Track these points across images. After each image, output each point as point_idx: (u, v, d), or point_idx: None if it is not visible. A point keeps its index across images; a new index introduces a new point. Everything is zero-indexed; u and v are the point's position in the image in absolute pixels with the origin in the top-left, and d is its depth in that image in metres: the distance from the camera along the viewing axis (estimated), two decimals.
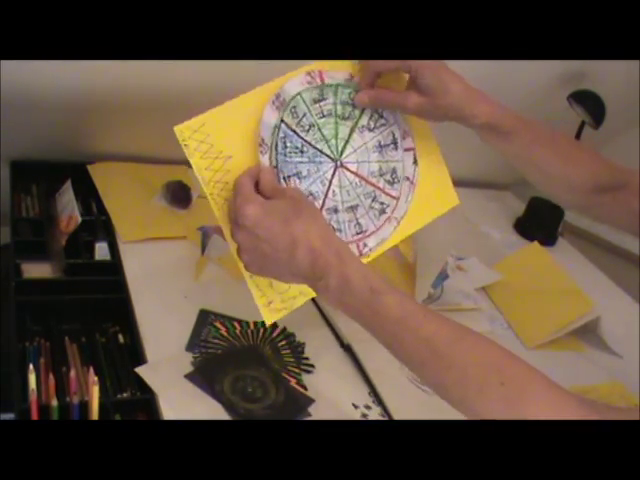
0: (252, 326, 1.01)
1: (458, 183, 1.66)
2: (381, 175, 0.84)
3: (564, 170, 0.90)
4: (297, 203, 0.71)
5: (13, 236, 1.09)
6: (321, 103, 0.82)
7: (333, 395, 0.95)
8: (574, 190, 0.91)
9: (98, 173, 1.22)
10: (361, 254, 0.84)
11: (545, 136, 0.89)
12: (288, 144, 0.79)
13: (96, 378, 0.80)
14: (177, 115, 1.28)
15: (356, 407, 0.95)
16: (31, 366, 0.79)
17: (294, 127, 0.79)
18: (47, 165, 1.23)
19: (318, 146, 0.81)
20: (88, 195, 1.20)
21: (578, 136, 1.49)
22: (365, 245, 0.84)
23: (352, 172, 0.83)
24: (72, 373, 0.83)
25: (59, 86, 1.09)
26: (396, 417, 0.94)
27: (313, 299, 1.10)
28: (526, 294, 1.28)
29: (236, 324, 1.01)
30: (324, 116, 0.82)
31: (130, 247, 1.10)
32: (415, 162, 0.88)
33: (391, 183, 0.85)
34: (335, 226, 0.81)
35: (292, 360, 0.98)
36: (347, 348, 1.04)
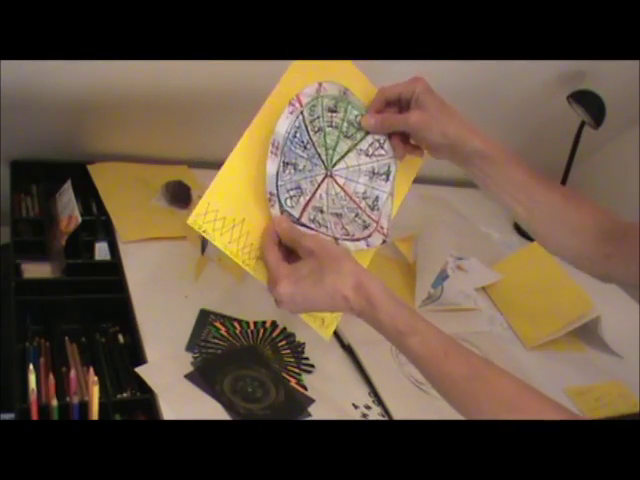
0: (252, 326, 1.01)
1: (458, 183, 1.67)
2: (364, 198, 0.87)
3: (565, 209, 0.88)
4: (318, 260, 0.76)
5: (13, 236, 1.09)
6: (333, 114, 0.85)
7: (333, 395, 0.95)
8: (579, 232, 0.88)
9: (98, 173, 1.22)
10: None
11: (539, 173, 0.88)
12: (297, 135, 0.81)
13: (96, 378, 0.80)
14: (177, 115, 1.29)
15: (356, 407, 0.95)
16: (31, 366, 0.79)
17: (307, 123, 0.82)
18: (47, 165, 1.23)
19: (319, 150, 0.83)
20: (88, 195, 1.20)
21: (578, 136, 1.49)
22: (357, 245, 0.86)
23: (339, 185, 0.85)
24: (72, 373, 0.83)
25: (59, 86, 1.09)
26: (396, 417, 0.94)
27: None
28: (526, 294, 1.28)
29: (236, 324, 1.01)
30: (331, 126, 0.84)
31: (130, 247, 1.10)
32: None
33: (371, 208, 0.87)
34: (321, 222, 0.83)
35: (292, 360, 0.98)
36: (347, 348, 1.04)
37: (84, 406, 0.83)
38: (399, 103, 0.87)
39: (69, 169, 1.20)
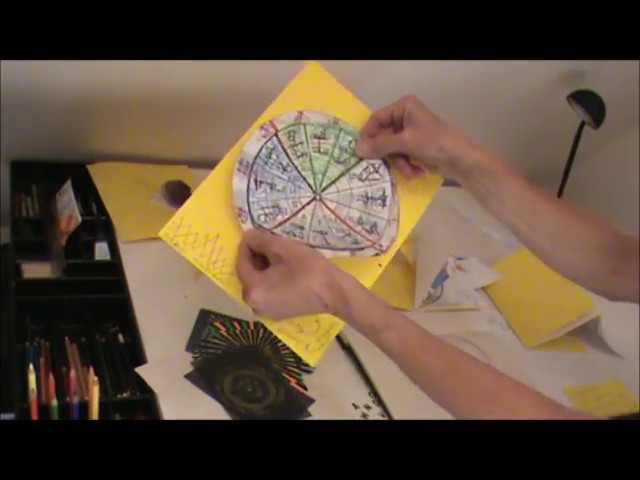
0: (252, 326, 1.01)
1: (458, 183, 1.66)
2: (360, 224, 0.84)
3: (568, 224, 0.86)
4: (287, 264, 0.75)
5: (13, 236, 1.09)
6: (321, 140, 0.84)
7: (333, 395, 0.95)
8: (582, 248, 0.86)
9: (98, 173, 1.22)
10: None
11: (540, 188, 0.86)
12: (273, 156, 0.82)
13: (96, 378, 0.80)
14: (177, 115, 1.29)
15: (356, 407, 0.95)
16: (31, 366, 0.79)
17: (286, 147, 0.82)
18: (47, 165, 1.23)
19: (303, 173, 0.83)
20: (88, 195, 1.20)
21: (578, 136, 1.49)
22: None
23: (329, 209, 0.84)
24: (72, 373, 0.83)
25: (59, 86, 1.09)
26: (396, 417, 0.94)
27: None
28: (526, 294, 1.28)
29: (236, 324, 1.01)
30: (319, 152, 0.84)
31: (130, 247, 1.10)
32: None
33: (369, 232, 0.84)
34: (296, 234, 0.80)
35: (292, 360, 0.98)
36: (347, 348, 1.04)
37: (84, 406, 0.83)
38: (392, 124, 0.85)
39: (69, 169, 1.20)
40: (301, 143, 0.83)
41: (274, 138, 0.82)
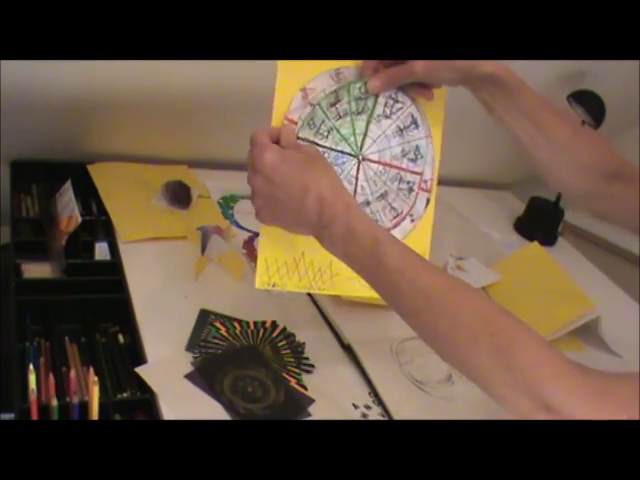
0: (252, 326, 1.01)
1: (458, 183, 1.67)
2: (404, 156, 0.85)
3: (571, 142, 0.85)
4: (311, 156, 0.74)
5: (13, 236, 1.09)
6: (337, 105, 0.83)
7: (333, 395, 0.95)
8: (581, 168, 0.85)
9: (98, 173, 1.22)
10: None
11: (552, 104, 0.85)
12: None
13: (96, 378, 0.80)
14: (177, 115, 1.29)
15: (356, 407, 0.95)
16: (31, 366, 0.79)
17: (312, 138, 0.81)
18: (47, 165, 1.23)
19: (339, 147, 0.83)
20: (88, 195, 1.20)
21: None
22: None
23: (375, 162, 0.84)
24: (72, 373, 0.83)
25: (59, 86, 1.09)
26: (396, 417, 0.94)
27: (313, 300, 1.10)
28: (526, 294, 1.28)
29: (236, 324, 1.01)
30: (340, 117, 0.83)
31: (130, 247, 1.10)
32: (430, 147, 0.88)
33: (414, 160, 0.85)
34: (370, 217, 0.81)
35: (292, 360, 0.98)
36: (347, 348, 1.04)
37: (84, 406, 0.83)
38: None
39: (69, 169, 1.20)
40: (322, 122, 0.82)
41: (298, 141, 0.81)
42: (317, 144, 0.81)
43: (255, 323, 1.02)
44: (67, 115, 1.17)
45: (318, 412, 0.91)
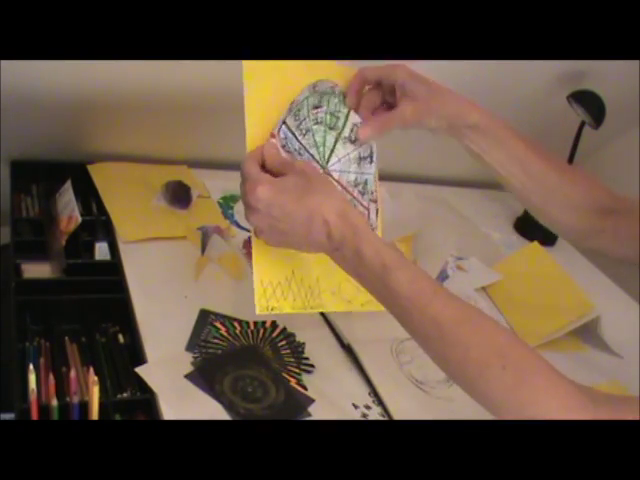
0: (252, 326, 1.01)
1: (458, 183, 1.67)
2: (355, 186, 0.86)
3: (561, 184, 0.86)
4: (308, 177, 0.72)
5: (13, 236, 1.09)
6: (317, 110, 0.83)
7: (333, 395, 0.95)
8: (573, 208, 0.86)
9: (98, 173, 1.22)
10: None
11: (539, 147, 0.86)
12: (289, 145, 0.81)
13: (96, 378, 0.80)
14: (177, 115, 1.29)
15: (356, 407, 0.95)
16: (31, 366, 0.79)
17: (294, 130, 0.81)
18: (47, 165, 1.23)
19: (311, 151, 0.83)
20: (88, 195, 1.20)
21: (578, 136, 1.49)
22: None
23: (335, 180, 0.84)
24: (72, 373, 0.83)
25: (59, 86, 1.09)
26: (396, 417, 0.94)
27: None
28: (526, 294, 1.28)
29: (236, 324, 1.01)
30: (317, 123, 0.83)
31: (130, 247, 1.10)
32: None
33: (362, 194, 0.87)
34: None
35: (292, 360, 0.98)
36: (347, 348, 1.04)
37: (84, 406, 0.83)
38: (379, 87, 0.83)
39: (69, 169, 1.20)
40: (304, 119, 0.82)
41: (283, 127, 0.80)
42: (296, 138, 0.81)
43: (255, 323, 1.02)
44: (67, 115, 1.17)
45: (318, 412, 0.91)
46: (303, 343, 1.01)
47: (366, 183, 0.86)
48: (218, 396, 0.88)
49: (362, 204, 0.86)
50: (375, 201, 0.87)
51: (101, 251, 1.08)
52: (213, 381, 0.90)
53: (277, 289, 0.80)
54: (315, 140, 0.82)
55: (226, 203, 1.29)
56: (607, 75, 1.42)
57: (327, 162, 0.84)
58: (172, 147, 1.33)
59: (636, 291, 1.43)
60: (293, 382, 0.94)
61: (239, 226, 1.24)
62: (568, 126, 1.49)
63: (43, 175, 1.21)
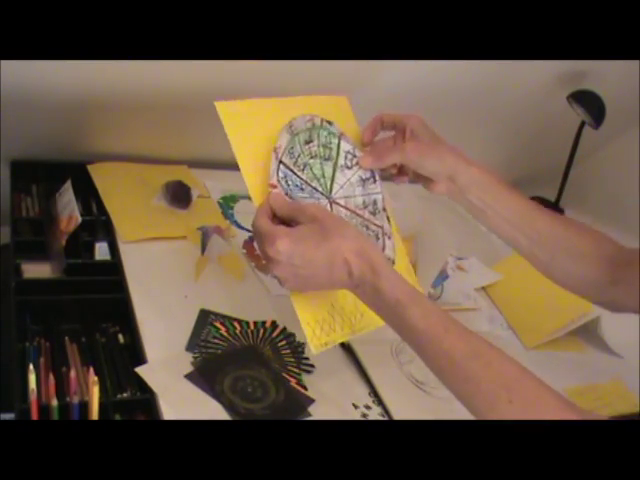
0: (252, 326, 1.01)
1: None
2: (365, 207, 0.88)
3: (567, 235, 0.87)
4: (321, 222, 0.74)
5: (13, 236, 1.09)
6: (310, 145, 0.85)
7: (333, 395, 0.95)
8: (583, 258, 0.87)
9: (98, 173, 1.22)
10: None
11: (538, 203, 0.89)
12: (290, 182, 0.82)
13: (96, 378, 0.80)
14: (177, 115, 1.29)
15: (356, 407, 0.95)
16: (31, 366, 0.79)
17: (292, 167, 0.83)
18: (47, 165, 1.23)
19: (312, 184, 0.84)
20: (88, 195, 1.20)
21: (578, 136, 1.49)
22: None
23: (343, 206, 0.86)
24: (72, 373, 0.83)
25: (59, 86, 1.09)
26: (396, 417, 0.94)
27: None
28: (526, 294, 1.28)
29: (236, 324, 1.01)
30: (312, 157, 0.85)
31: (130, 247, 1.10)
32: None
33: (373, 214, 0.88)
34: None
35: (292, 360, 0.98)
36: (347, 348, 1.04)
37: (84, 406, 0.83)
38: (394, 129, 0.88)
39: (69, 169, 1.20)
40: (299, 155, 0.84)
41: (281, 166, 0.81)
42: (296, 174, 0.83)
43: (255, 323, 1.02)
44: (67, 115, 1.17)
45: (318, 412, 0.91)
46: (303, 343, 1.01)
47: (375, 203, 0.89)
48: (218, 396, 0.88)
49: (375, 224, 0.88)
50: (384, 209, 0.89)
51: (101, 251, 1.08)
52: (213, 381, 0.90)
53: (324, 325, 0.82)
54: (314, 173, 0.85)
55: (226, 203, 1.29)
56: (607, 75, 1.42)
57: (330, 192, 0.86)
58: (172, 147, 1.33)
59: None
60: (293, 382, 0.94)
61: (239, 226, 1.24)
62: (568, 126, 1.49)
63: (43, 175, 1.21)
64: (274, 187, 0.80)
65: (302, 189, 0.83)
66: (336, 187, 0.86)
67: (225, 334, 0.98)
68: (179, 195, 1.22)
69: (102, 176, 1.22)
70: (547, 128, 1.60)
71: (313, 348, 0.81)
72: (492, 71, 1.32)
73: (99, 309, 1.00)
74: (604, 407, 1.10)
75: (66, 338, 0.96)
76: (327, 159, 0.86)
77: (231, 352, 0.96)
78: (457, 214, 1.56)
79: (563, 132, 1.52)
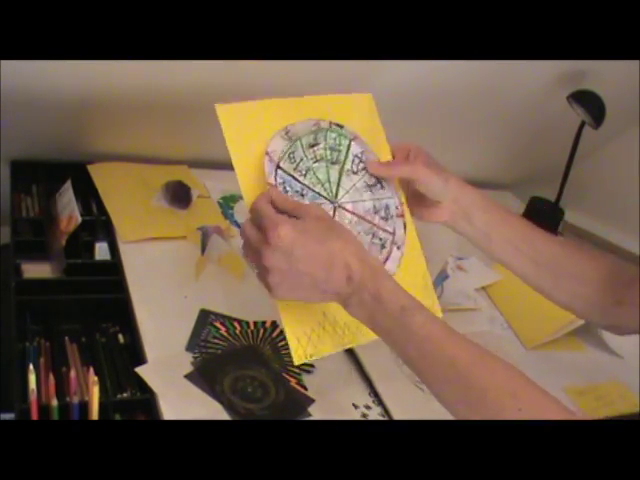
0: (252, 326, 1.01)
1: None
2: (376, 212, 0.86)
3: (568, 257, 0.88)
4: (327, 223, 0.73)
5: (13, 236, 1.09)
6: (315, 148, 0.83)
7: (333, 395, 0.95)
8: (584, 281, 0.87)
9: (98, 173, 1.22)
10: None
11: (535, 226, 0.89)
12: (288, 188, 0.79)
13: (96, 378, 0.80)
14: (177, 115, 1.29)
15: (356, 407, 0.95)
16: (31, 366, 0.79)
17: (292, 172, 0.80)
18: (47, 165, 1.23)
19: (316, 189, 0.82)
20: (88, 195, 1.20)
21: (578, 136, 1.49)
22: None
23: (349, 211, 0.84)
24: (72, 373, 0.83)
25: (59, 86, 1.09)
26: (396, 417, 0.94)
27: None
28: (526, 294, 1.27)
29: (236, 324, 1.01)
30: (317, 161, 0.83)
31: (130, 247, 1.10)
32: (402, 202, 0.89)
33: (385, 219, 0.86)
34: None
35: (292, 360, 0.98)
36: (347, 348, 1.04)
37: (84, 406, 0.83)
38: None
39: (69, 169, 1.20)
40: (301, 160, 0.81)
41: (279, 172, 0.79)
42: (296, 179, 0.80)
43: (255, 323, 1.02)
44: (67, 115, 1.17)
45: (318, 412, 0.91)
46: None
47: (387, 207, 0.86)
48: (218, 396, 0.88)
49: (385, 229, 0.86)
50: (402, 215, 0.87)
51: (101, 251, 1.08)
52: (213, 381, 0.90)
53: (312, 335, 0.79)
54: (318, 177, 0.82)
55: (226, 203, 1.29)
56: (607, 75, 1.42)
57: (336, 196, 0.83)
58: (172, 147, 1.33)
59: None
60: (293, 382, 0.94)
61: (239, 226, 1.24)
62: (568, 126, 1.49)
63: (43, 175, 1.22)
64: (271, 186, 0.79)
65: (302, 195, 0.80)
66: (342, 192, 0.84)
67: (225, 334, 0.99)
68: (179, 195, 1.22)
69: (102, 176, 1.22)
70: (547, 128, 1.60)
71: (295, 359, 0.77)
72: (492, 71, 1.32)
73: (99, 309, 1.00)
74: (604, 407, 1.10)
75: (66, 338, 0.96)
76: (334, 162, 0.84)
77: (231, 352, 0.96)
78: None
79: (563, 132, 1.52)
